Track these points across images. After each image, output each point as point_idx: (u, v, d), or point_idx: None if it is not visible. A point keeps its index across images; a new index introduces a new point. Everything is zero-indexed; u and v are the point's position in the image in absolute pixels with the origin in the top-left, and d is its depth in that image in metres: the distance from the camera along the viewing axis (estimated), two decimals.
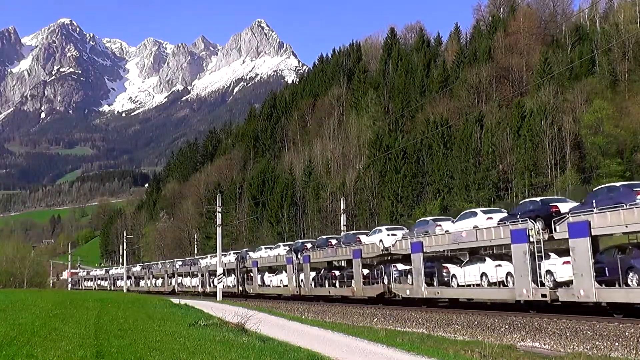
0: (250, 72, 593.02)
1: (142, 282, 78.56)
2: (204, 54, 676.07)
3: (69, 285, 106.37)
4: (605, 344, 15.14)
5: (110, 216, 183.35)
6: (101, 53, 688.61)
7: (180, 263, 66.87)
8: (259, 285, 46.08)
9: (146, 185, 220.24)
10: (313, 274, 38.04)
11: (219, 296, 45.54)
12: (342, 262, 38.16)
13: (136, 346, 11.30)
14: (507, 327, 19.04)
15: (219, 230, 49.35)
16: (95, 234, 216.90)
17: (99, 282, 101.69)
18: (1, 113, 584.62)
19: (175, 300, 33.87)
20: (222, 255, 52.07)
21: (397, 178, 67.84)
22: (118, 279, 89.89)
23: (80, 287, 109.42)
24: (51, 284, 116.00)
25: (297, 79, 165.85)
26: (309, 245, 39.96)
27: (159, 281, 71.87)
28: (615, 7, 76.56)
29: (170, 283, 66.49)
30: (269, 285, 45.17)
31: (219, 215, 49.45)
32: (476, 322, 20.47)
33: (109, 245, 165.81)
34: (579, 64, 64.66)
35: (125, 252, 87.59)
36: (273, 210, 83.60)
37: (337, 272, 35.96)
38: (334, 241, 37.22)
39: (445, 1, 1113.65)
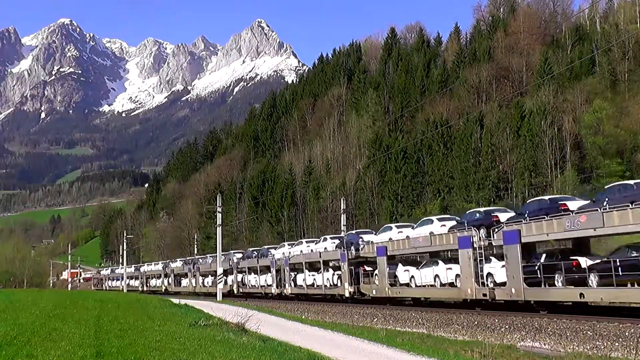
0: (250, 72, 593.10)
1: (184, 282, 64.19)
2: (204, 54, 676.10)
3: (69, 286, 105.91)
4: (605, 344, 15.15)
5: (110, 216, 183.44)
6: (101, 53, 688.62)
7: (240, 255, 52.72)
8: (389, 284, 30.23)
9: (146, 185, 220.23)
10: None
11: (219, 296, 45.52)
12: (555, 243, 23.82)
13: (136, 346, 11.30)
14: (507, 327, 19.05)
15: (219, 230, 49.33)
16: (95, 234, 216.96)
17: (128, 281, 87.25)
18: (1, 113, 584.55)
19: (176, 300, 33.88)
20: (311, 241, 41.78)
21: (397, 178, 67.84)
22: (152, 277, 76.65)
23: (103, 288, 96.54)
24: (51, 284, 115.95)
25: (297, 79, 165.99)
26: (503, 217, 23.57)
27: (209, 280, 56.65)
28: (615, 7, 76.54)
29: (226, 282, 51.86)
30: (407, 284, 29.33)
31: (219, 215, 49.42)
32: (476, 322, 20.47)
33: (109, 245, 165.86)
34: (579, 64, 64.64)
35: (125, 252, 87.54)
36: (273, 210, 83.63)
37: (590, 260, 19.89)
38: (574, 203, 20.89)
39: (445, 1, 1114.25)
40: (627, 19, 69.46)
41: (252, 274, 47.41)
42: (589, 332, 16.40)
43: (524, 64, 72.18)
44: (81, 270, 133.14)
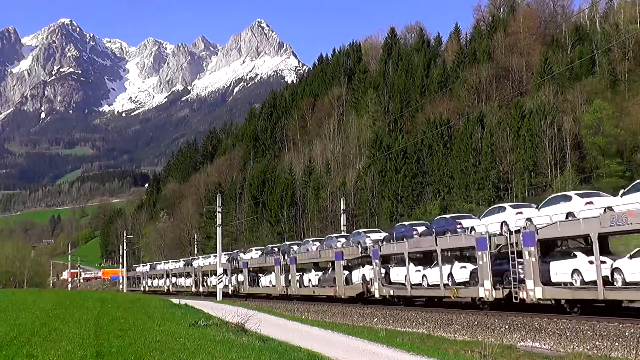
0: (250, 72, 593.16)
1: (265, 279, 45.26)
2: (204, 54, 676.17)
3: (69, 286, 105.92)
4: (605, 344, 15.15)
5: (110, 216, 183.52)
6: (101, 53, 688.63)
7: (379, 235, 32.27)
8: None
9: (146, 185, 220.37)
10: None
11: (219, 296, 45.51)
12: None
13: (136, 346, 11.29)
14: (507, 327, 19.03)
15: (219, 230, 49.37)
16: (95, 234, 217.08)
17: (174, 279, 68.56)
18: (1, 113, 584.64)
19: (176, 300, 33.86)
20: (588, 194, 20.90)
21: (397, 178, 67.85)
22: (212, 274, 54.76)
23: (141, 289, 79.38)
24: (51, 284, 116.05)
25: (297, 79, 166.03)
26: None
27: (311, 276, 38.06)
28: (615, 7, 76.57)
29: (348, 280, 33.22)
30: None
31: (219, 215, 49.47)
32: (476, 322, 20.45)
33: (109, 245, 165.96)
34: (579, 64, 64.63)
35: (125, 252, 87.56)
36: (273, 211, 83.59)
37: None
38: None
39: (445, 1, 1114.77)
40: (627, 19, 69.47)
41: (413, 264, 28.48)
42: (589, 332, 16.38)
43: (524, 64, 72.20)
44: (81, 270, 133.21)
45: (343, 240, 34.82)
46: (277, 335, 17.08)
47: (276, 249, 44.48)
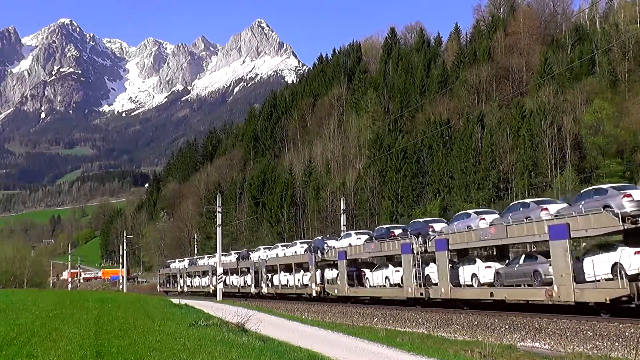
0: (250, 72, 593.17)
1: (378, 276, 30.85)
2: (204, 54, 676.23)
3: (69, 286, 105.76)
4: (605, 344, 15.15)
5: (110, 216, 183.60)
6: (101, 53, 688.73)
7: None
8: None
9: (146, 185, 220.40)
10: None
11: (219, 296, 45.50)
12: None
13: (136, 346, 11.29)
14: (507, 327, 19.02)
15: (219, 230, 49.35)
16: (95, 234, 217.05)
17: (224, 278, 50.45)
18: (1, 113, 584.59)
19: (175, 300, 33.83)
20: None
21: (397, 178, 67.83)
22: (280, 271, 42.30)
23: (178, 290, 65.22)
24: (51, 284, 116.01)
25: (297, 79, 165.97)
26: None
27: (480, 270, 24.07)
28: (615, 7, 76.55)
29: (576, 276, 18.76)
30: None
31: (219, 215, 49.46)
32: (476, 322, 20.45)
33: (109, 245, 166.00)
34: (579, 64, 64.61)
35: (125, 252, 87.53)
36: (273, 210, 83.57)
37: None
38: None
39: (445, 1, 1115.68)
40: (627, 19, 69.44)
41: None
42: (589, 332, 16.38)
43: (524, 64, 72.16)
44: (81, 270, 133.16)
45: (558, 206, 20.82)
46: (277, 335, 17.09)
47: (395, 232, 29.92)
